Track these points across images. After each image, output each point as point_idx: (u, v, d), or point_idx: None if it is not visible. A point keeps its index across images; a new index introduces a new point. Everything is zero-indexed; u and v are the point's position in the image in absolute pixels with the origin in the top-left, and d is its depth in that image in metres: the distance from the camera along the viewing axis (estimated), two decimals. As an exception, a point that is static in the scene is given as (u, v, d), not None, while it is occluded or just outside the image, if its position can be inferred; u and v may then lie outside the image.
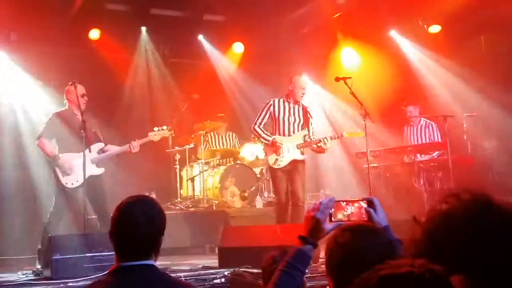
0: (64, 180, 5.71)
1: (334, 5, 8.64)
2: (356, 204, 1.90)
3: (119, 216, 2.10)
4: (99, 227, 5.85)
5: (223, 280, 4.43)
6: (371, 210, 1.89)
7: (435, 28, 8.46)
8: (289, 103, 6.22)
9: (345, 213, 1.89)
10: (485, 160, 7.40)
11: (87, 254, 4.95)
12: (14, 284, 4.82)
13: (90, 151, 5.82)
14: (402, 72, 8.69)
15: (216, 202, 8.13)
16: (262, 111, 6.27)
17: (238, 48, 9.52)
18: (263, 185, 8.61)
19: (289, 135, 6.18)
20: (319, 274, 4.06)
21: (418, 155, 7.43)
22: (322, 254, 3.62)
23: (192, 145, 8.55)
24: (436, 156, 7.47)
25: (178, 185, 8.59)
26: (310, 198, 8.11)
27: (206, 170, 8.36)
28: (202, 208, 8.00)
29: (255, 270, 4.40)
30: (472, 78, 7.88)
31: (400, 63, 8.77)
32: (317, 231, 1.85)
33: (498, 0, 7.43)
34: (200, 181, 8.37)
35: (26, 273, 5.28)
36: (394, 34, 8.94)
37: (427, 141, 7.77)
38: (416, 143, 7.78)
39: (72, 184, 5.72)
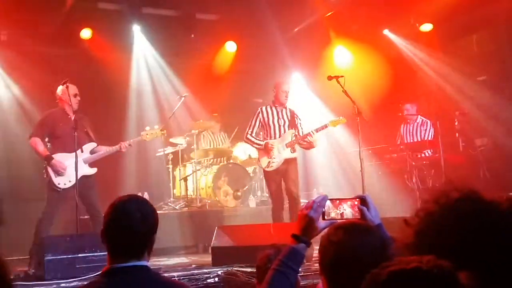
0: (56, 180, 5.69)
1: (326, 3, 8.64)
2: (349, 202, 1.91)
3: (113, 213, 2.04)
4: (92, 227, 5.83)
5: (216, 279, 4.43)
6: (364, 208, 1.89)
7: (427, 27, 8.49)
8: (276, 107, 6.52)
9: (338, 211, 1.89)
10: (477, 158, 7.43)
11: (79, 255, 4.92)
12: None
13: (82, 151, 5.81)
14: (394, 70, 8.72)
15: (209, 201, 8.12)
16: (252, 120, 6.52)
17: (230, 47, 9.50)
18: (256, 184, 8.62)
19: (279, 136, 6.40)
20: (313, 273, 4.07)
21: (410, 153, 7.45)
22: (316, 253, 3.62)
23: (185, 145, 8.52)
24: (428, 154, 7.49)
25: (171, 184, 8.58)
26: (304, 197, 8.11)
27: (199, 170, 8.35)
28: (195, 208, 7.98)
29: (248, 269, 4.41)
30: (464, 77, 7.93)
31: (392, 61, 8.80)
32: (310, 230, 1.86)
33: (489, -1, 7.48)
34: (193, 180, 8.36)
35: (18, 274, 5.24)
36: (386, 32, 8.97)
37: (422, 138, 7.79)
38: (411, 141, 7.80)
39: (65, 184, 5.70)
